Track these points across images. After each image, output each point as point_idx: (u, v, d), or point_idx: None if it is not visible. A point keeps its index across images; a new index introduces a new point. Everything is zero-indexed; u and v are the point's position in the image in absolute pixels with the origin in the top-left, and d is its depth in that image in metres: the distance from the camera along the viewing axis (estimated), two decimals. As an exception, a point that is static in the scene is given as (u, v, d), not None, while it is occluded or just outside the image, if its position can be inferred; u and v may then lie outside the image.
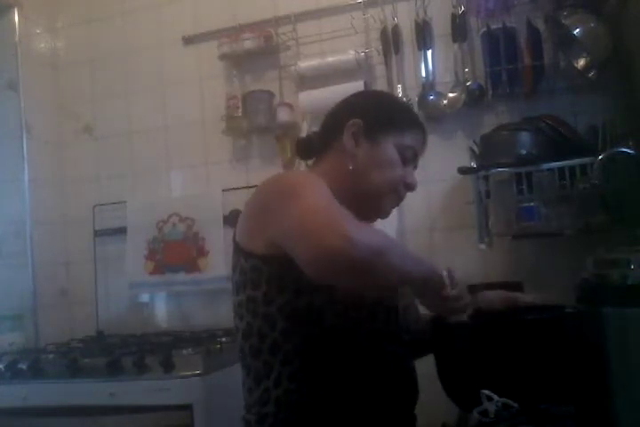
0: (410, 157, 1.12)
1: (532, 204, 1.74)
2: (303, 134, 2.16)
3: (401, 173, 1.11)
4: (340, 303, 0.98)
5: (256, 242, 1.01)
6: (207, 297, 2.31)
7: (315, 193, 0.94)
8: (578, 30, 1.80)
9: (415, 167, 1.16)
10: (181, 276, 2.34)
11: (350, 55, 2.16)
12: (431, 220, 2.12)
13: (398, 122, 1.13)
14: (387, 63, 2.18)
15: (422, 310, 1.17)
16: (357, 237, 0.83)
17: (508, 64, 1.98)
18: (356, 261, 0.83)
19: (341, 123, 1.11)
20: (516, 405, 0.91)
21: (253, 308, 1.01)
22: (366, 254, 0.83)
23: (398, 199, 1.14)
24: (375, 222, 1.26)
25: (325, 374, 0.99)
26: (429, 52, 2.13)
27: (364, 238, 0.84)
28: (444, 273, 0.97)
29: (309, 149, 1.19)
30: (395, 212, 1.19)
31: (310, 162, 1.21)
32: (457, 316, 1.01)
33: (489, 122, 2.04)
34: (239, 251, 1.05)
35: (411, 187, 1.13)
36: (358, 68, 2.18)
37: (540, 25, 1.98)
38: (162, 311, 2.45)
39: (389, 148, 1.10)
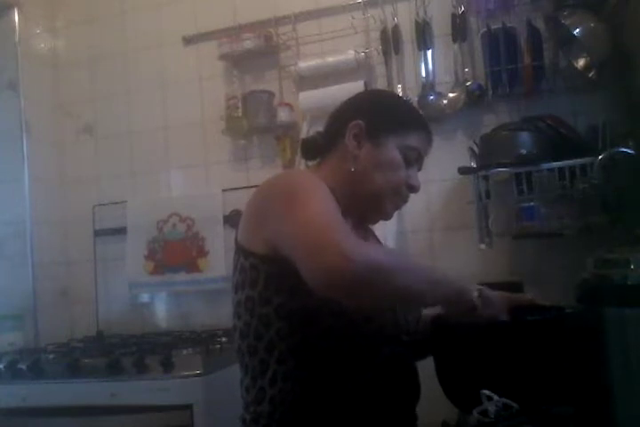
0: (413, 159, 1.11)
1: (531, 204, 1.75)
2: (303, 134, 2.16)
3: (403, 175, 1.10)
4: (336, 305, 0.97)
5: (256, 242, 1.01)
6: (207, 297, 2.31)
7: (316, 199, 0.94)
8: (578, 30, 1.80)
9: (419, 168, 1.15)
10: (181, 276, 2.34)
11: (350, 55, 2.16)
12: (431, 220, 2.12)
13: (401, 123, 1.12)
14: (387, 63, 2.18)
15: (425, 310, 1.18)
16: (356, 256, 0.83)
17: (508, 64, 1.98)
18: (356, 279, 0.83)
19: (344, 124, 1.11)
20: (515, 405, 0.91)
21: (251, 307, 1.02)
22: (365, 272, 0.83)
23: (401, 201, 1.14)
24: (376, 224, 1.25)
25: (320, 374, 0.99)
26: (429, 52, 2.13)
27: (363, 256, 0.84)
28: (475, 294, 0.96)
29: (314, 149, 1.18)
30: (395, 212, 1.18)
31: (313, 163, 1.20)
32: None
33: (489, 122, 2.04)
34: (239, 250, 1.05)
35: (414, 189, 1.12)
36: (358, 68, 2.18)
37: (540, 25, 1.98)
38: (162, 311, 2.45)
39: (392, 149, 1.09)
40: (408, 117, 1.14)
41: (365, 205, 1.11)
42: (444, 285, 0.95)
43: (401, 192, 1.12)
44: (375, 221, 1.24)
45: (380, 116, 1.11)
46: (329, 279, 0.84)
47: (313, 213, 0.90)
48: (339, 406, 0.99)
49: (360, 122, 1.09)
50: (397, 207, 1.15)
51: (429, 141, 1.15)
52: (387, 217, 1.16)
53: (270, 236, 0.97)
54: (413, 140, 1.11)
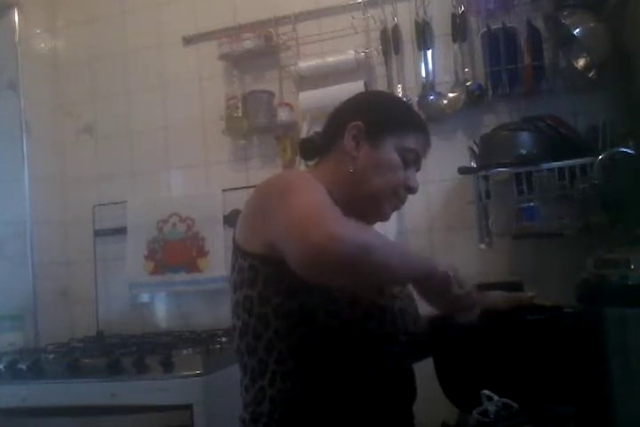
0: (411, 160, 1.11)
1: (531, 204, 1.75)
2: (303, 135, 2.16)
3: (402, 176, 1.10)
4: (334, 304, 0.97)
5: (253, 242, 1.02)
6: (207, 297, 2.31)
7: (306, 191, 0.95)
8: (578, 30, 1.80)
9: (418, 169, 1.15)
10: (181, 276, 2.34)
11: (350, 55, 2.16)
12: (431, 220, 2.12)
13: (400, 124, 1.12)
14: (387, 63, 2.18)
15: (423, 310, 1.18)
16: (343, 235, 0.83)
17: (508, 64, 1.98)
18: (341, 258, 0.83)
19: (343, 124, 1.11)
20: (515, 405, 0.91)
21: (249, 307, 1.02)
22: (352, 251, 0.83)
23: (399, 202, 1.14)
24: (375, 225, 1.25)
25: (319, 374, 0.99)
26: (429, 52, 2.13)
27: (350, 236, 0.84)
28: (450, 272, 0.96)
29: (312, 149, 1.18)
30: (395, 213, 1.18)
31: (312, 163, 1.21)
32: (465, 316, 0.98)
33: (489, 122, 2.04)
34: (237, 251, 1.05)
35: (412, 190, 1.12)
36: (358, 68, 2.18)
37: (540, 25, 1.98)
38: (162, 311, 2.45)
39: (390, 150, 1.09)
40: (406, 119, 1.14)
41: (363, 206, 1.11)
42: (422, 262, 0.95)
43: (399, 193, 1.11)
44: (373, 222, 1.23)
45: (378, 118, 1.11)
46: (314, 259, 0.83)
47: (300, 201, 0.91)
48: (337, 405, 0.99)
49: (359, 123, 1.09)
50: (395, 208, 1.15)
51: (427, 142, 1.16)
52: (384, 218, 1.16)
53: (267, 235, 0.97)
54: (411, 142, 1.11)
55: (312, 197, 0.93)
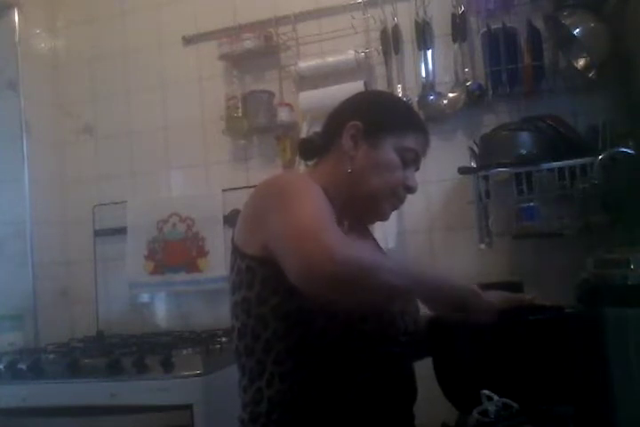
0: (411, 160, 1.11)
1: (531, 204, 1.75)
2: (303, 135, 2.16)
3: (401, 176, 1.10)
4: (332, 306, 0.97)
5: (251, 244, 1.02)
6: (207, 297, 2.31)
7: (304, 195, 0.95)
8: (578, 30, 1.80)
9: (417, 169, 1.15)
10: (181, 276, 2.34)
11: (350, 55, 2.16)
12: (431, 220, 2.12)
13: (399, 124, 1.11)
14: (387, 63, 2.18)
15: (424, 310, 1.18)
16: (341, 254, 0.83)
17: (508, 64, 1.98)
18: (339, 277, 0.83)
19: (342, 124, 1.10)
20: (515, 405, 0.91)
21: (247, 308, 1.02)
22: (350, 270, 0.83)
23: (398, 202, 1.14)
24: (375, 225, 1.25)
25: (317, 375, 0.99)
26: (429, 52, 2.13)
27: (348, 255, 0.84)
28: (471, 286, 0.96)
29: (311, 149, 1.18)
30: (394, 213, 1.18)
31: (311, 163, 1.21)
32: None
33: (489, 122, 2.04)
34: (236, 252, 1.06)
35: (411, 190, 1.12)
36: (358, 68, 2.18)
37: (540, 25, 1.98)
38: (162, 311, 2.45)
39: (389, 150, 1.09)
40: (405, 119, 1.14)
41: (362, 206, 1.11)
42: (430, 281, 0.95)
43: (398, 193, 1.11)
44: (372, 222, 1.24)
45: (377, 118, 1.11)
46: (309, 277, 0.84)
47: (300, 214, 0.90)
48: (336, 406, 0.99)
49: (357, 123, 1.09)
50: (394, 208, 1.15)
51: (427, 142, 1.15)
52: (383, 218, 1.16)
53: (264, 238, 0.97)
54: (410, 142, 1.11)
55: (309, 205, 0.93)
